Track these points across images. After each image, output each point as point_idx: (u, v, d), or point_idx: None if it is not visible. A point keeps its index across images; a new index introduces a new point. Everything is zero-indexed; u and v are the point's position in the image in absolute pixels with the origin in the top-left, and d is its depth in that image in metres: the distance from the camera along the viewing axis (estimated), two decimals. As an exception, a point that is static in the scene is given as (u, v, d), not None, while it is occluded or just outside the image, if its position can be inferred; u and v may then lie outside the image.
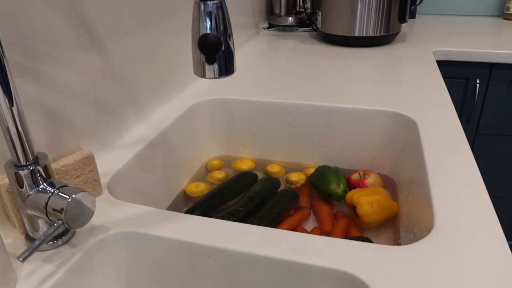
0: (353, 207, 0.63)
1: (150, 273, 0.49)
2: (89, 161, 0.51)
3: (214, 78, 0.44)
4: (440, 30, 1.43)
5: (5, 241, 0.46)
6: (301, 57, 1.13)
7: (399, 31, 1.26)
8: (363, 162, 0.80)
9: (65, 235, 0.45)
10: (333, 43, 1.28)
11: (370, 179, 0.71)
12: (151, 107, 0.76)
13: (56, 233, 0.41)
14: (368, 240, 0.58)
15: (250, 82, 0.92)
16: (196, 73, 0.45)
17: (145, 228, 0.47)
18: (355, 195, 0.64)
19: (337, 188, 0.69)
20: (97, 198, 0.53)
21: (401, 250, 0.42)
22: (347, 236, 0.63)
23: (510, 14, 1.55)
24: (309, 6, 1.48)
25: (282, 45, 1.28)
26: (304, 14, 1.48)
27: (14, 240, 0.46)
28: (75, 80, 0.56)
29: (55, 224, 0.40)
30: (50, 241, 0.44)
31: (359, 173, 0.74)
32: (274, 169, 0.80)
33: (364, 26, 1.19)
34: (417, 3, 1.46)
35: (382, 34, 1.21)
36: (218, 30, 0.42)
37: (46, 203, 0.40)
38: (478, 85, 1.23)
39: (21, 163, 0.40)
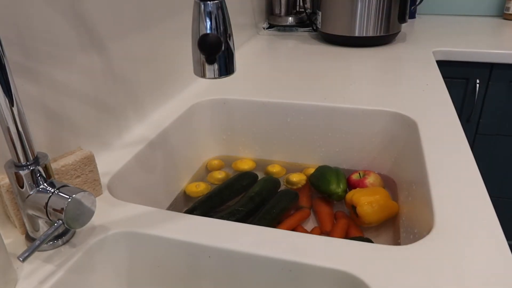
0: (353, 207, 0.63)
1: (150, 273, 0.49)
2: (89, 161, 0.51)
3: (214, 78, 0.44)
4: (440, 30, 1.43)
5: (5, 241, 0.46)
6: (301, 57, 1.13)
7: (399, 31, 1.26)
8: (363, 162, 0.80)
9: (65, 235, 0.45)
10: (333, 43, 1.28)
11: (370, 179, 0.71)
12: (151, 107, 0.76)
13: (56, 233, 0.41)
14: (368, 240, 0.58)
15: (250, 82, 0.92)
16: (196, 73, 0.45)
17: (145, 228, 0.47)
18: (355, 195, 0.64)
19: (337, 188, 0.69)
20: (97, 198, 0.53)
21: (401, 250, 0.42)
22: (347, 236, 0.63)
23: (510, 14, 1.55)
24: (309, 6, 1.48)
25: (282, 45, 1.28)
26: (304, 14, 1.48)
27: (14, 240, 0.46)
28: (75, 80, 0.56)
29: (55, 224, 0.40)
30: (50, 241, 0.44)
31: (359, 173, 0.74)
32: (275, 169, 0.80)
33: (364, 26, 1.19)
34: (417, 3, 1.46)
35: (382, 34, 1.21)
36: (218, 30, 0.42)
37: (46, 203, 0.40)
38: (478, 85, 1.23)
39: (21, 163, 0.40)
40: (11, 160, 0.41)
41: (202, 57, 0.43)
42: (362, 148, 0.79)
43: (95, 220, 0.49)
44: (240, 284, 0.46)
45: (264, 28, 1.49)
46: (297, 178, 0.76)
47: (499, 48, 1.18)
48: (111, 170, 0.58)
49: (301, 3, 1.49)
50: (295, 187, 0.75)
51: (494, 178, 1.35)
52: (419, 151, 0.62)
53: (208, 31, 0.42)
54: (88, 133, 0.60)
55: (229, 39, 0.44)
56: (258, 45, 1.28)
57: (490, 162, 1.32)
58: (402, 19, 1.22)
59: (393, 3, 1.18)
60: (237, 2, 1.18)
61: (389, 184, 0.75)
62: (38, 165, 0.41)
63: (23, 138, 0.39)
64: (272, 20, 1.48)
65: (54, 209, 0.40)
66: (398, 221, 0.64)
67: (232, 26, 0.44)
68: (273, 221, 0.64)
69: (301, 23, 1.47)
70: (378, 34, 1.20)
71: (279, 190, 0.72)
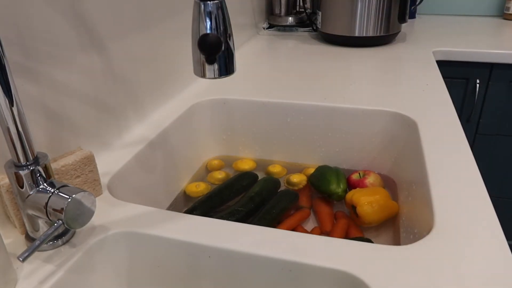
0: (353, 207, 0.63)
1: (150, 273, 0.49)
2: (89, 161, 0.51)
3: (214, 78, 0.44)
4: (440, 30, 1.43)
5: (5, 241, 0.46)
6: (301, 57, 1.13)
7: (399, 31, 1.26)
8: (363, 162, 0.80)
9: (65, 235, 0.45)
10: (333, 43, 1.28)
11: (370, 179, 0.71)
12: (151, 107, 0.76)
13: (56, 233, 0.41)
14: (368, 240, 0.58)
15: (250, 82, 0.92)
16: (196, 73, 0.45)
17: (145, 228, 0.47)
18: (355, 195, 0.64)
19: (337, 188, 0.69)
20: (97, 198, 0.53)
21: (401, 250, 0.42)
22: (347, 236, 0.63)
23: (510, 14, 1.55)
24: (309, 6, 1.48)
25: (282, 45, 1.28)
26: (304, 14, 1.48)
27: (14, 240, 0.46)
28: (75, 80, 0.56)
29: (55, 224, 0.40)
30: (50, 241, 0.44)
31: (359, 173, 0.74)
32: (275, 169, 0.80)
33: (364, 26, 1.19)
34: (417, 3, 1.46)
35: (382, 34, 1.21)
36: (218, 30, 0.42)
37: (46, 203, 0.40)
38: (478, 85, 1.23)
39: (21, 163, 0.40)
40: (11, 160, 0.41)
41: (202, 57, 0.43)
42: (362, 148, 0.79)
43: (95, 220, 0.49)
44: (240, 284, 0.46)
45: (264, 28, 1.49)
46: (298, 179, 0.76)
47: (499, 48, 1.18)
48: (111, 170, 0.58)
49: (301, 3, 1.49)
50: (295, 188, 0.75)
51: (494, 178, 1.35)
52: (419, 151, 0.62)
53: (208, 31, 0.42)
54: (88, 133, 0.60)
55: (229, 39, 0.44)
56: (258, 45, 1.28)
57: (490, 162, 1.32)
58: (402, 19, 1.22)
59: (393, 3, 1.18)
60: (237, 2, 1.18)
61: (389, 184, 0.75)
62: (38, 165, 0.41)
63: (23, 138, 0.39)
64: (272, 20, 1.48)
65: (54, 209, 0.40)
66: (398, 221, 0.64)
67: (232, 26, 0.44)
68: (273, 221, 0.64)
69: (301, 23, 1.47)
70: (378, 34, 1.20)
71: (279, 190, 0.72)
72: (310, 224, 0.67)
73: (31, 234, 0.44)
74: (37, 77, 0.49)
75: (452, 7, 1.68)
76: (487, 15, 1.65)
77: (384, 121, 0.76)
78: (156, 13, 0.74)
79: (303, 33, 1.45)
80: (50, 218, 0.40)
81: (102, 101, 0.62)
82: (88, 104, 0.59)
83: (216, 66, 0.44)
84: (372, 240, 0.61)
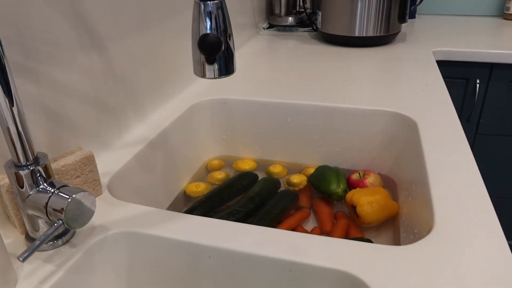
0: (353, 207, 0.63)
1: (150, 273, 0.49)
2: (89, 161, 0.51)
3: (214, 78, 0.44)
4: (440, 30, 1.43)
5: (5, 241, 0.46)
6: (301, 57, 1.13)
7: (399, 31, 1.26)
8: (363, 162, 0.80)
9: (65, 235, 0.45)
10: (333, 43, 1.28)
11: (370, 179, 0.71)
12: (151, 107, 0.76)
13: (56, 233, 0.41)
14: (368, 240, 0.58)
15: (250, 82, 0.92)
16: (196, 73, 0.45)
17: (145, 228, 0.47)
18: (355, 195, 0.64)
19: (337, 188, 0.69)
20: (97, 198, 0.53)
21: (401, 250, 0.42)
22: (347, 236, 0.63)
23: (510, 14, 1.55)
24: (309, 6, 1.48)
25: (282, 45, 1.28)
26: (304, 14, 1.48)
27: (14, 240, 0.46)
28: (75, 80, 0.56)
29: (55, 224, 0.40)
30: (50, 241, 0.44)
31: (359, 173, 0.74)
32: (276, 169, 0.80)
33: (364, 26, 1.19)
34: (417, 3, 1.46)
35: (382, 34, 1.21)
36: (218, 30, 0.42)
37: (46, 203, 0.40)
38: (478, 85, 1.23)
39: (21, 163, 0.40)
40: (11, 160, 0.41)
41: (202, 57, 0.43)
42: (362, 148, 0.79)
43: (95, 220, 0.49)
44: (240, 284, 0.46)
45: (264, 28, 1.49)
46: (298, 179, 0.76)
47: (499, 48, 1.18)
48: (111, 170, 0.58)
49: (301, 3, 1.49)
50: (296, 188, 0.75)
51: (494, 178, 1.35)
52: (419, 151, 0.62)
53: (208, 31, 0.42)
54: (88, 133, 0.60)
55: (229, 39, 0.44)
56: (258, 45, 1.28)
57: (490, 162, 1.32)
58: (402, 19, 1.22)
59: (393, 3, 1.18)
60: (237, 2, 1.18)
61: (389, 184, 0.75)
62: (38, 165, 0.41)
63: (23, 138, 0.39)
64: (272, 20, 1.48)
65: (54, 209, 0.40)
66: (398, 221, 0.64)
67: (232, 26, 0.44)
68: (273, 221, 0.64)
69: (301, 23, 1.47)
70: (378, 34, 1.20)
71: (279, 191, 0.72)
72: (310, 224, 0.67)
73: (31, 234, 0.44)
74: (37, 77, 0.49)
75: (452, 7, 1.68)
76: (487, 15, 1.65)
77: (384, 121, 0.76)
78: (156, 13, 0.74)
79: (303, 33, 1.45)
80: (50, 218, 0.40)
81: (102, 101, 0.62)
82: (88, 104, 0.59)
83: (216, 66, 0.44)
84: (372, 240, 0.61)
